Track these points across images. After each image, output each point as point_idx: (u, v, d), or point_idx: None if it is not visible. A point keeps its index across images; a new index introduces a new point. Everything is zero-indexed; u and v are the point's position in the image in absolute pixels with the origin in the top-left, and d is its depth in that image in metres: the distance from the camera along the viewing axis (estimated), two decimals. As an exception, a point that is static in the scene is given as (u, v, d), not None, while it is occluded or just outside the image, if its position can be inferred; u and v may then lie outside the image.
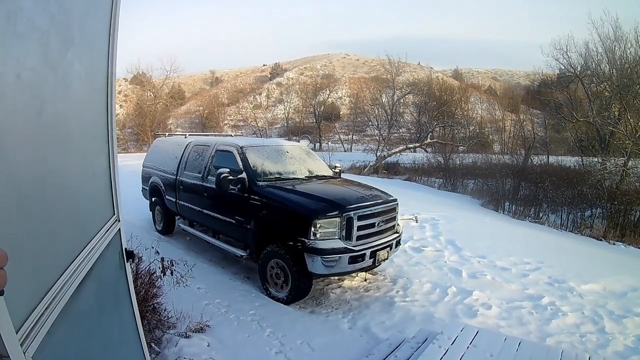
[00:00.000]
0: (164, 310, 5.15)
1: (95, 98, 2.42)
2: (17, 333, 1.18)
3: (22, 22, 1.34)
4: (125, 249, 2.80)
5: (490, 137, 47.16)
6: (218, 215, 7.43)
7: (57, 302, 1.52)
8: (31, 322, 1.32)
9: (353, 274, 6.95)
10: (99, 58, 2.44)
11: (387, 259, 6.68)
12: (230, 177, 6.66)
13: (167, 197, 9.21)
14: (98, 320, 2.19)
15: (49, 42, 1.61)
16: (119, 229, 2.72)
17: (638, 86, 22.37)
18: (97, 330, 2.15)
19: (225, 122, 65.02)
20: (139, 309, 3.15)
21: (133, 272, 4.59)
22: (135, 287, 3.38)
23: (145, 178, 10.48)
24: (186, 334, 4.92)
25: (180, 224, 9.23)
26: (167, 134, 13.20)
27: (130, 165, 18.12)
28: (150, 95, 52.04)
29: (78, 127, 2.10)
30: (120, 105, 57.81)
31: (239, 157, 7.19)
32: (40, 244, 1.51)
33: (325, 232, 5.87)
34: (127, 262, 2.82)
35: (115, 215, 2.70)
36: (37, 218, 1.50)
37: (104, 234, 2.33)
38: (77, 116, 2.07)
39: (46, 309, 1.43)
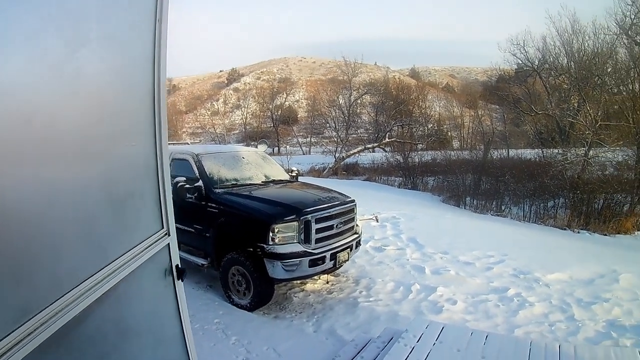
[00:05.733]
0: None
1: (136, 101, 2.31)
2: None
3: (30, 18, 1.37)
4: (177, 265, 2.63)
5: (449, 133, 47.93)
6: (177, 225, 7.29)
7: (53, 321, 1.45)
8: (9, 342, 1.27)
9: (315, 277, 6.94)
10: (142, 57, 2.29)
11: (348, 260, 6.71)
12: (187, 186, 6.57)
13: (124, 209, 9.00)
14: (120, 343, 2.06)
15: (60, 42, 1.59)
16: (168, 243, 2.56)
17: (597, 77, 23.06)
18: (116, 354, 2.02)
19: (184, 130, 64.53)
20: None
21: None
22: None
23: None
24: (150, 346, 4.85)
25: (139, 236, 9.06)
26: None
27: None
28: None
29: (115, 134, 2.05)
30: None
31: (195, 165, 7.11)
32: (41, 260, 1.47)
33: (284, 236, 5.87)
34: (179, 280, 2.64)
35: (164, 229, 2.56)
36: (45, 232, 1.48)
37: (144, 250, 2.22)
38: (112, 123, 2.02)
39: (35, 330, 1.37)
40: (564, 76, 27.28)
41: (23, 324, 1.32)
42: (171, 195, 2.64)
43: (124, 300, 2.07)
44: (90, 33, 1.82)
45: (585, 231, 13.92)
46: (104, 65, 1.93)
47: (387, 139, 36.88)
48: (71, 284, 1.57)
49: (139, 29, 2.26)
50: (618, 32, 22.77)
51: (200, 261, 6.93)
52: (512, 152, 26.68)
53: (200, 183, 6.79)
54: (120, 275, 1.94)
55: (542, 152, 23.57)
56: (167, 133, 2.52)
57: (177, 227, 7.15)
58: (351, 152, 34.37)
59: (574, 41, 25.88)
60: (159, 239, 2.46)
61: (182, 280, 2.68)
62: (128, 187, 2.22)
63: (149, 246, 2.29)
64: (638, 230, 14.33)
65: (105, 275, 1.81)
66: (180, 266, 2.66)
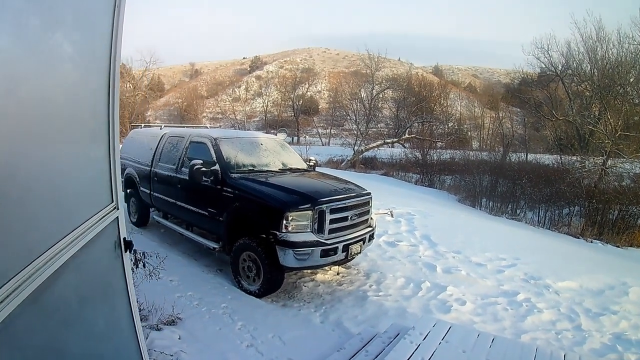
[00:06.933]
0: (136, 303, 5.09)
1: (92, 82, 2.36)
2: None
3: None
4: (124, 238, 2.71)
5: (469, 133, 47.59)
6: (191, 207, 7.35)
7: (17, 294, 1.47)
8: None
9: (326, 268, 6.93)
10: (99, 40, 2.37)
11: (360, 252, 6.68)
12: (204, 169, 6.58)
13: (141, 188, 9.10)
14: (77, 313, 2.12)
15: (27, 22, 1.59)
16: (117, 217, 2.64)
17: (619, 87, 22.77)
18: (75, 323, 2.09)
19: (204, 114, 65.01)
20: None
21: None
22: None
23: (121, 169, 10.33)
24: (157, 326, 4.87)
25: (154, 216, 9.14)
26: (142, 125, 13.08)
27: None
28: (130, 86, 51.53)
29: (67, 111, 2.07)
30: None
31: (212, 149, 7.13)
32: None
33: (297, 225, 5.84)
34: (126, 252, 2.73)
35: (114, 203, 2.63)
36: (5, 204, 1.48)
37: (96, 222, 2.27)
38: (65, 101, 2.04)
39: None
40: (586, 83, 27.03)
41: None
42: (120, 171, 2.76)
43: (78, 272, 2.11)
44: (65, 15, 1.90)
45: (598, 241, 13.72)
46: (71, 44, 1.99)
47: (406, 135, 36.75)
48: (24, 261, 1.58)
49: (101, 12, 2.37)
50: (643, 43, 22.34)
51: (212, 245, 6.97)
52: (531, 157, 26.44)
53: (216, 167, 6.80)
54: (75, 249, 1.97)
55: (561, 158, 23.43)
56: (118, 115, 2.63)
57: (191, 210, 7.20)
58: (370, 145, 34.34)
59: (598, 48, 25.66)
60: (110, 212, 2.54)
61: (130, 252, 2.81)
62: (82, 162, 2.31)
63: (100, 219, 2.36)
64: (651, 244, 14.09)
65: (59, 250, 1.84)
66: (127, 239, 2.75)
